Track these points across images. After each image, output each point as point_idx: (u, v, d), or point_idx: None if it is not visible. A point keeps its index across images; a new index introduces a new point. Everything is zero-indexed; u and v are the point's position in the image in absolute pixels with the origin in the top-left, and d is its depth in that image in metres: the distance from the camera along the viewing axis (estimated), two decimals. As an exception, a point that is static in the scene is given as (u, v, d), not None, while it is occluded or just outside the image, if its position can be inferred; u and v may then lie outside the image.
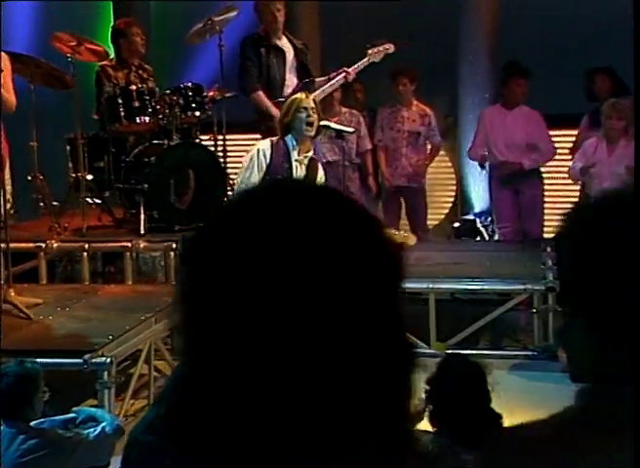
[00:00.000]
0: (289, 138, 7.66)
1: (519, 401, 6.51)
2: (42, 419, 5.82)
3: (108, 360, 6.93)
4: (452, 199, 12.14)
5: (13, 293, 7.85)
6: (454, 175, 11.96)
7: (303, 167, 7.78)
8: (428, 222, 11.29)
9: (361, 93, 10.87)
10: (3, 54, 7.94)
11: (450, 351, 7.98)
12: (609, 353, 1.89)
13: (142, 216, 9.15)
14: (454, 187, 12.05)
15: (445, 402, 4.47)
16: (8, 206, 10.09)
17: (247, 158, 7.75)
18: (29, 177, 9.82)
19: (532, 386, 7.93)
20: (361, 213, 1.49)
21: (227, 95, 9.52)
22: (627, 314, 1.85)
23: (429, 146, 10.85)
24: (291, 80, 9.55)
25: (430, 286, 8.68)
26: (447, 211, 12.13)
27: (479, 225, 11.16)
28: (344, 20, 11.56)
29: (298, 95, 7.92)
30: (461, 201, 11.85)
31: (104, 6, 12.34)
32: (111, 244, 9.30)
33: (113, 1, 12.51)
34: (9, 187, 10.42)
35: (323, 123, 8.10)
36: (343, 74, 9.52)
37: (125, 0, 12.38)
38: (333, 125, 8.34)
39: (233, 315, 1.30)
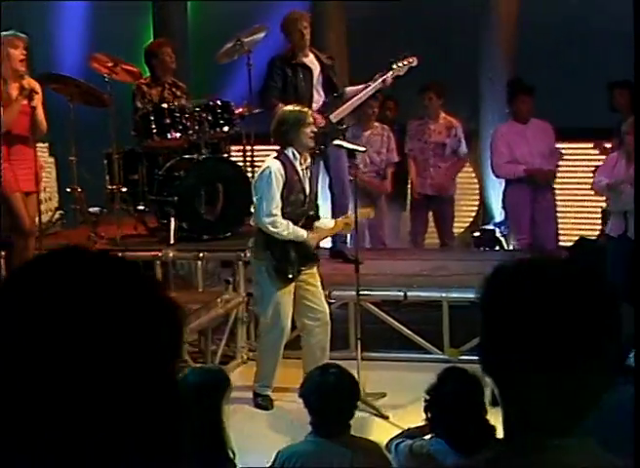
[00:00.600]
0: (290, 152, 7.59)
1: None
2: None
3: None
4: (475, 209, 12.17)
5: None
6: (477, 186, 12.01)
7: (307, 174, 7.79)
8: (454, 230, 11.35)
9: (391, 108, 11.02)
10: (37, 83, 8.21)
11: (460, 357, 8.15)
12: (518, 412, 1.97)
13: (172, 227, 9.29)
14: (477, 197, 12.09)
15: (443, 410, 4.49)
16: (56, 215, 10.57)
17: (262, 182, 7.60)
18: (69, 190, 10.14)
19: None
20: (138, 278, 1.57)
21: (255, 111, 9.61)
22: (531, 378, 1.93)
23: (461, 154, 10.90)
24: (318, 95, 9.56)
25: (444, 295, 8.71)
26: (471, 219, 12.15)
27: (498, 235, 11.18)
28: (371, 34, 11.64)
29: (301, 109, 7.85)
30: (483, 211, 11.89)
31: (146, 29, 12.60)
32: (142, 253, 9.33)
33: (153, 24, 12.68)
34: (56, 198, 10.86)
35: (336, 142, 8.21)
36: (380, 81, 9.42)
37: (164, 22, 12.54)
38: (345, 144, 8.32)
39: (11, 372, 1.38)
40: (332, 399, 4.88)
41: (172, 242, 9.21)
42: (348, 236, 10.17)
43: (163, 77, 9.94)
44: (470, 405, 4.46)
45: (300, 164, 7.61)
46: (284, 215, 7.50)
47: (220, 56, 10.04)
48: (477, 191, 12.03)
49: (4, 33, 8.05)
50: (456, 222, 11.49)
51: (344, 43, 11.58)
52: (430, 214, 10.99)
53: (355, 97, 9.42)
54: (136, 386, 1.45)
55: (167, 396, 1.51)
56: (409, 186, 10.99)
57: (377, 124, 10.69)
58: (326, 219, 8.24)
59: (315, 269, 7.91)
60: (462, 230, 11.87)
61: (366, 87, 9.46)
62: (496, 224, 11.37)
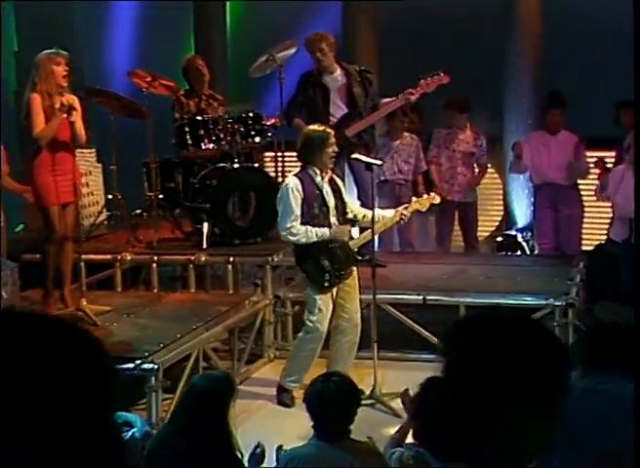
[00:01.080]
0: (311, 168, 7.79)
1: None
2: None
3: (156, 366, 7.26)
4: (501, 214, 12.21)
5: (85, 302, 8.26)
6: (502, 193, 12.07)
7: (329, 187, 7.92)
8: (480, 234, 11.43)
9: (417, 120, 11.16)
10: (76, 98, 8.35)
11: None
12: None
13: (205, 232, 9.46)
14: (502, 204, 12.14)
15: (427, 419, 4.48)
16: (101, 217, 10.87)
17: (281, 198, 7.80)
18: (110, 196, 10.42)
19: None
20: (80, 339, 1.66)
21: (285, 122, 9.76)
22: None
23: (482, 163, 11.02)
24: (339, 110, 9.63)
25: (460, 299, 8.82)
26: (497, 224, 12.22)
27: (520, 240, 11.27)
28: (401, 52, 11.78)
29: (324, 129, 7.98)
30: (506, 217, 11.96)
31: (188, 46, 12.86)
32: (176, 256, 9.62)
33: (195, 41, 12.90)
34: (102, 202, 11.16)
35: (354, 156, 8.33)
36: (403, 97, 9.50)
37: (204, 37, 12.76)
38: (363, 158, 8.37)
39: None
40: (332, 405, 4.99)
41: (204, 246, 9.39)
42: (376, 240, 10.46)
43: (200, 89, 10.17)
44: (453, 413, 4.40)
45: (322, 179, 7.77)
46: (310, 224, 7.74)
47: (252, 70, 10.23)
48: (502, 198, 12.09)
49: (47, 51, 8.27)
50: (481, 227, 11.57)
51: (375, 57, 11.72)
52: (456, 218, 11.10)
53: (374, 114, 9.54)
54: (67, 439, 1.55)
55: (100, 446, 1.60)
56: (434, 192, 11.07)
57: (406, 134, 10.81)
58: (386, 211, 8.30)
59: (355, 272, 8.03)
60: (488, 234, 11.97)
61: (393, 101, 9.57)
62: (518, 230, 11.45)
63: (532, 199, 10.94)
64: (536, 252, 11.07)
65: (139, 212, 10.46)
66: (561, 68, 11.60)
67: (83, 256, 9.22)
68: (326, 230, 7.81)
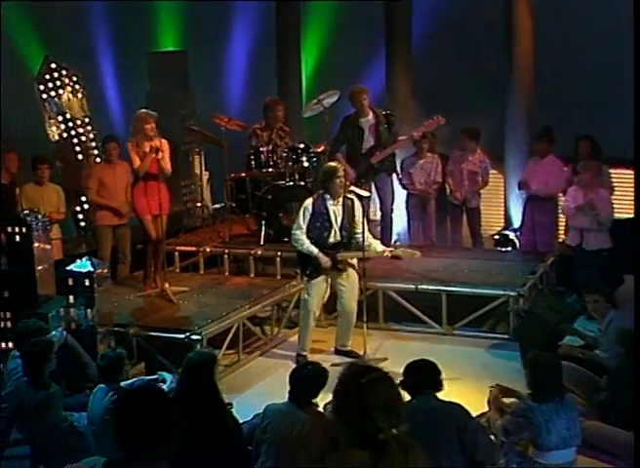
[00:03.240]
0: (326, 193, 8.66)
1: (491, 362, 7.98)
2: (134, 380, 7.14)
3: (200, 337, 8.26)
4: (502, 217, 12.88)
5: (167, 285, 9.58)
6: (503, 201, 12.76)
7: (339, 207, 8.65)
8: (485, 232, 12.21)
9: (433, 142, 11.97)
10: (164, 141, 9.60)
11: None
12: None
13: (263, 233, 10.71)
14: (503, 209, 12.82)
15: (343, 403, 4.63)
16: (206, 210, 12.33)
17: (300, 212, 8.81)
18: (198, 204, 12.20)
19: (500, 354, 9.09)
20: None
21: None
22: None
23: (481, 180, 11.72)
24: (368, 143, 10.56)
25: (442, 288, 9.78)
26: (501, 225, 12.80)
27: (513, 238, 11.96)
28: (432, 89, 12.79)
29: (335, 165, 8.83)
30: (505, 219, 12.65)
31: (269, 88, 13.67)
32: (240, 250, 10.80)
33: (278, 82, 13.73)
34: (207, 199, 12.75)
35: (350, 188, 9.06)
36: (407, 137, 10.77)
37: (284, 83, 13.66)
38: (358, 190, 9.16)
39: None
40: (301, 382, 5.77)
41: (262, 243, 10.64)
42: (405, 235, 11.68)
43: (272, 124, 11.11)
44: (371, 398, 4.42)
45: (333, 203, 8.64)
46: (309, 237, 8.60)
47: (304, 111, 11.41)
48: (503, 205, 12.79)
49: (142, 111, 9.56)
50: (487, 226, 12.42)
51: (410, 101, 12.73)
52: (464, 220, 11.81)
53: (390, 147, 10.58)
54: None
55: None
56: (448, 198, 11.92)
57: (429, 154, 11.70)
58: (377, 244, 8.94)
59: (351, 276, 8.85)
60: (493, 233, 12.54)
61: (404, 139, 10.73)
62: (512, 230, 12.14)
63: (523, 206, 11.55)
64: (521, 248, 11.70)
65: (219, 205, 11.72)
66: (549, 106, 12.35)
67: (177, 248, 10.92)
68: (315, 251, 8.63)
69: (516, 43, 12.31)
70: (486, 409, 6.74)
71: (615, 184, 11.22)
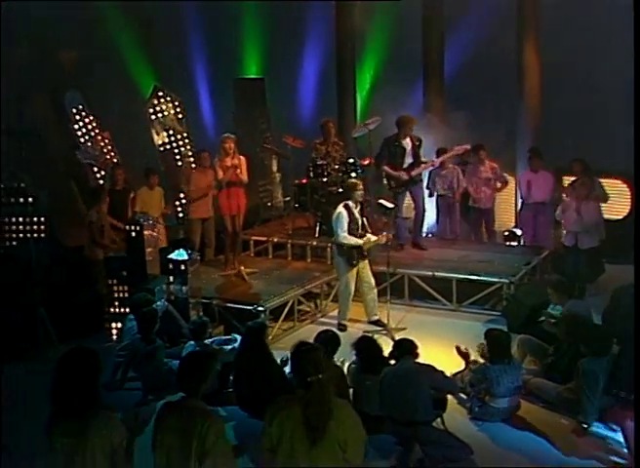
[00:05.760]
0: (349, 203, 9.54)
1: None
2: (214, 339, 8.22)
3: (264, 309, 9.21)
4: (513, 216, 13.55)
5: (242, 267, 10.70)
6: (514, 204, 13.49)
7: (358, 211, 9.53)
8: (497, 229, 12.91)
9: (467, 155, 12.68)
10: (242, 157, 10.70)
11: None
12: None
13: (318, 228, 11.82)
14: (514, 210, 13.50)
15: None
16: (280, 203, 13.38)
17: (336, 218, 9.50)
18: (270, 204, 13.44)
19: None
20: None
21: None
22: None
23: (499, 184, 12.54)
24: (408, 160, 11.38)
25: (453, 275, 10.57)
26: (512, 222, 13.37)
27: (519, 234, 12.53)
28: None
29: (355, 181, 9.73)
30: (515, 218, 13.32)
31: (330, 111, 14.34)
32: (300, 241, 11.77)
33: (338, 106, 14.48)
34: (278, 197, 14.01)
35: (379, 201, 10.08)
36: (438, 160, 11.81)
37: (341, 105, 14.48)
38: (385, 202, 10.00)
39: None
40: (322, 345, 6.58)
41: (317, 235, 11.73)
42: (425, 228, 12.41)
43: (328, 139, 12.11)
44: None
45: (355, 208, 9.58)
46: (349, 234, 9.53)
47: (353, 132, 12.47)
48: (513, 206, 13.51)
49: (224, 135, 10.68)
50: (499, 223, 13.11)
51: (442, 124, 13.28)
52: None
53: (425, 165, 11.49)
54: None
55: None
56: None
57: (450, 165, 12.55)
58: (372, 236, 9.75)
59: (366, 260, 9.65)
60: (504, 229, 13.03)
61: (434, 161, 11.70)
62: (519, 227, 12.73)
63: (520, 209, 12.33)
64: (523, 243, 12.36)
65: (287, 201, 12.66)
66: (550, 128, 13.04)
67: (252, 237, 12.13)
68: (359, 241, 9.54)
69: (526, 80, 13.21)
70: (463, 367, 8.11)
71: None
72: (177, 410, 4.60)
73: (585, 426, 7.19)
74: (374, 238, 9.78)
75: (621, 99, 11.28)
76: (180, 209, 13.65)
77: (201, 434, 4.44)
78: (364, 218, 9.84)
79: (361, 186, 9.69)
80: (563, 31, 13.43)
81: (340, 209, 9.69)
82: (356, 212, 9.70)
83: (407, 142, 11.43)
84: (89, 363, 4.41)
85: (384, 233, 9.87)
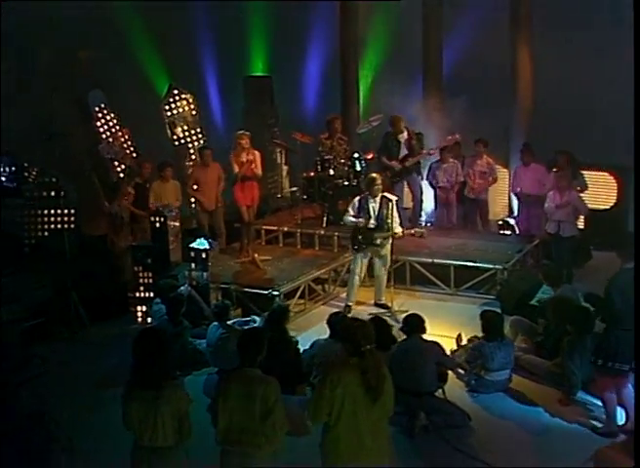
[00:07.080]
0: (367, 195, 10.06)
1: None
2: (235, 320, 8.76)
3: (278, 293, 9.72)
4: (506, 206, 13.98)
5: (256, 255, 11.23)
6: (507, 195, 13.89)
7: (377, 204, 9.93)
8: (492, 219, 13.32)
9: (457, 149, 13.23)
10: (257, 152, 11.23)
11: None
12: None
13: (325, 218, 12.33)
14: (507, 201, 13.96)
15: (346, 335, 5.17)
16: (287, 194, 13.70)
17: (350, 205, 10.17)
18: (279, 195, 13.93)
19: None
20: None
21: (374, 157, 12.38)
22: None
23: (491, 178, 13.01)
24: (403, 152, 12.10)
25: (449, 262, 11.15)
26: (506, 214, 13.74)
27: (512, 223, 13.00)
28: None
29: (375, 175, 10.17)
30: (508, 209, 13.82)
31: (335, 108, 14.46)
32: (308, 230, 12.24)
33: (341, 103, 14.90)
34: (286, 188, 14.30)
35: (384, 194, 10.20)
36: (427, 151, 12.35)
37: (345, 103, 14.77)
38: (389, 195, 10.27)
39: None
40: (335, 327, 7.56)
41: (324, 225, 12.26)
42: (424, 217, 12.93)
43: (333, 135, 12.56)
44: (359, 331, 5.08)
45: (372, 201, 10.07)
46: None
47: (358, 129, 13.01)
48: (507, 198, 13.91)
49: (239, 132, 11.22)
50: (494, 214, 13.56)
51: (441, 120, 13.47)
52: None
53: (418, 156, 12.11)
54: None
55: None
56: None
57: (451, 160, 12.98)
58: (398, 228, 10.15)
59: (385, 247, 10.03)
60: (497, 219, 13.45)
61: (426, 152, 12.33)
62: (512, 217, 13.28)
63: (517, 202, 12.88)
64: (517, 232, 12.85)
65: (295, 189, 13.08)
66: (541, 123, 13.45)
67: (263, 226, 12.61)
68: (357, 220, 9.98)
69: (519, 80, 13.66)
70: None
71: (589, 183, 12.42)
72: (238, 378, 5.07)
73: (570, 396, 7.88)
74: (398, 229, 10.27)
75: (614, 99, 11.73)
76: (193, 199, 13.84)
77: (263, 396, 4.94)
78: (389, 211, 10.20)
79: (379, 181, 10.14)
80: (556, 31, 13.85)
81: (356, 198, 10.35)
82: (373, 203, 10.17)
83: (403, 136, 12.10)
84: (161, 341, 5.01)
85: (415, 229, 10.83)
